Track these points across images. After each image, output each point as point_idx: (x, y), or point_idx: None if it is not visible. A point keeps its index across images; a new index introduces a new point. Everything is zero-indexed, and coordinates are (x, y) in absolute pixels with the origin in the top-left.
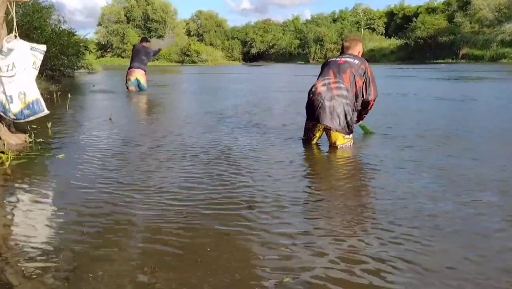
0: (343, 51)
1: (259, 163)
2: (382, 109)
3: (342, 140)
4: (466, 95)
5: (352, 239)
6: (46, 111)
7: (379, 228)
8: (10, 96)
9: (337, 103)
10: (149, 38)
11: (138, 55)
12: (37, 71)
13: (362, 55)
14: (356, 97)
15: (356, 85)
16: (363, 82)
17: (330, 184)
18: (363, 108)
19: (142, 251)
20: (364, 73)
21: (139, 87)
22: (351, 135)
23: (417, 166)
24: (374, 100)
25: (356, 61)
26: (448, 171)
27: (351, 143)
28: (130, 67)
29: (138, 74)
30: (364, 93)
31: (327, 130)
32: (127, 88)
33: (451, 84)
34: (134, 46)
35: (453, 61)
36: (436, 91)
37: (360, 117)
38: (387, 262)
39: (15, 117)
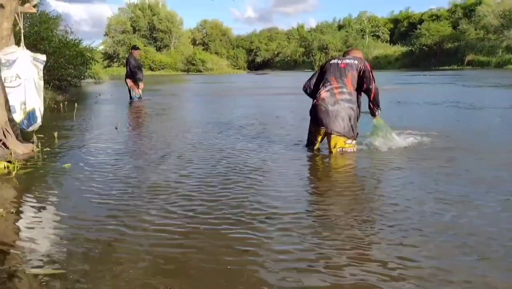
0: (343, 55)
1: (263, 173)
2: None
3: (342, 144)
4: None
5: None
6: (39, 123)
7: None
8: (13, 107)
9: (340, 107)
10: (134, 46)
11: (128, 65)
12: (42, 81)
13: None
14: (358, 98)
15: (357, 87)
16: (361, 76)
17: (334, 197)
18: (367, 94)
19: (149, 260)
20: (362, 68)
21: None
22: (354, 141)
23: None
24: (375, 88)
25: (356, 62)
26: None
27: (354, 149)
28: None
29: (129, 83)
30: (364, 85)
31: (328, 134)
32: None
33: (484, 91)
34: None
35: (459, 68)
36: (469, 99)
37: (371, 111)
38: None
39: (19, 127)
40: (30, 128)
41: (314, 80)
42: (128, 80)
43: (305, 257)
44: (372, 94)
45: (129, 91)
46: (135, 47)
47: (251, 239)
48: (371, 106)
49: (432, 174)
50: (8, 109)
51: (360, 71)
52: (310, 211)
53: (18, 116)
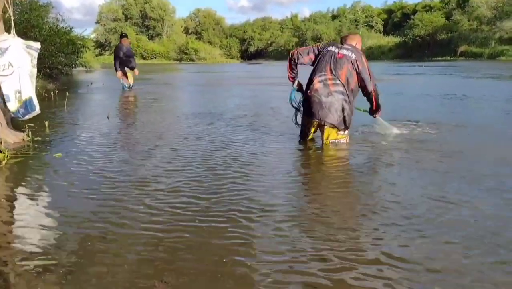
0: (341, 42)
1: (254, 166)
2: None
3: (335, 136)
4: None
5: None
6: (38, 111)
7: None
8: (7, 95)
9: (334, 99)
10: (123, 34)
11: (118, 54)
12: (36, 69)
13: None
14: (352, 92)
15: (352, 81)
16: (358, 77)
17: (326, 190)
18: (368, 100)
19: (141, 251)
20: (360, 68)
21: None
22: (346, 132)
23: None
24: (374, 91)
25: (354, 56)
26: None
27: (347, 140)
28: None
29: (119, 74)
30: (361, 85)
31: (321, 126)
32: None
33: (490, 82)
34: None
35: (452, 58)
36: (478, 91)
37: (371, 111)
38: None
39: (14, 116)
40: (27, 117)
41: (308, 55)
42: (118, 72)
43: (297, 255)
44: (374, 98)
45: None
46: (125, 35)
47: (242, 235)
48: (372, 108)
49: (429, 168)
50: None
51: (357, 71)
52: (302, 206)
53: (13, 105)
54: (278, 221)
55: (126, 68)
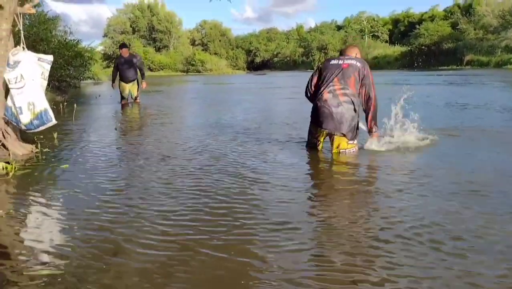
0: (341, 54)
1: (262, 176)
2: None
3: (346, 146)
4: None
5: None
6: (54, 121)
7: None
8: (20, 108)
9: (344, 109)
10: (127, 44)
11: (129, 65)
12: (46, 82)
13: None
14: (360, 99)
15: (359, 89)
16: (362, 83)
17: (338, 202)
18: (366, 104)
19: (149, 263)
20: (365, 74)
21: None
22: (355, 141)
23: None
24: (375, 97)
25: (359, 64)
26: None
27: (356, 149)
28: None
29: (131, 85)
30: (364, 93)
31: (331, 135)
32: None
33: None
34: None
35: (458, 67)
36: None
37: (368, 128)
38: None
39: (25, 128)
40: (41, 128)
41: (314, 81)
42: (113, 84)
43: (306, 266)
44: (372, 107)
45: (131, 95)
46: (123, 45)
47: (251, 246)
48: (369, 121)
49: (439, 177)
50: (6, 110)
51: (361, 76)
52: (313, 218)
53: (26, 118)
54: (287, 229)
55: (126, 79)
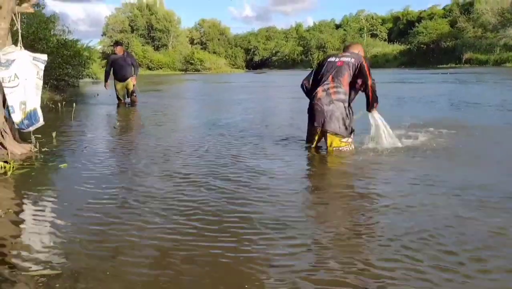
0: (344, 50)
1: (260, 174)
2: None
3: (338, 143)
4: None
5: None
6: (42, 122)
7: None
8: (12, 107)
9: (335, 107)
10: (120, 42)
11: (126, 63)
12: (42, 81)
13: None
14: (351, 96)
15: (355, 84)
16: (358, 75)
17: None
18: (366, 94)
19: (147, 262)
20: (358, 66)
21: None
22: (349, 139)
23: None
24: (372, 85)
25: (352, 60)
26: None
27: (350, 148)
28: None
29: (134, 81)
30: (359, 84)
31: (325, 133)
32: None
33: None
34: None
35: (457, 66)
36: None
37: (368, 107)
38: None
39: (17, 127)
40: (31, 128)
41: (311, 77)
42: (106, 84)
43: (301, 266)
44: (370, 91)
45: (127, 93)
46: (117, 43)
47: (246, 244)
48: (370, 101)
49: (432, 176)
50: (5, 109)
51: (356, 69)
52: (306, 216)
53: (17, 117)
54: (281, 227)
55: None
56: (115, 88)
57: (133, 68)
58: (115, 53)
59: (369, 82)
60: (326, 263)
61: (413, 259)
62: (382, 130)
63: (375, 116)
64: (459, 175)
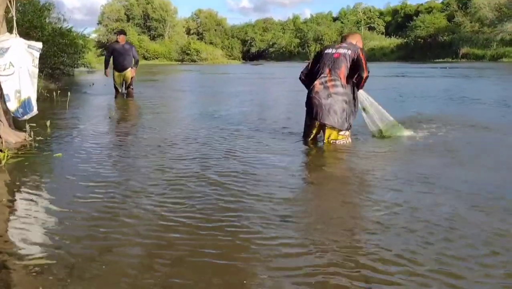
0: (341, 41)
1: (257, 166)
2: None
3: (336, 136)
4: None
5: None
6: (36, 111)
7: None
8: (7, 95)
9: (333, 100)
10: (124, 30)
11: (125, 54)
12: (37, 69)
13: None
14: (352, 88)
15: (351, 77)
16: (354, 66)
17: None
18: (357, 83)
19: (142, 253)
20: (354, 58)
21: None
22: (348, 132)
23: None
24: (366, 78)
25: (349, 52)
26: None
27: (348, 141)
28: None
29: (133, 73)
30: (355, 76)
31: (323, 126)
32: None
33: None
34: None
35: (454, 60)
36: None
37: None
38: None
39: (13, 116)
40: (25, 117)
41: (309, 67)
42: (106, 71)
43: (299, 266)
44: (362, 83)
45: (125, 84)
46: (120, 32)
47: (243, 237)
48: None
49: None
50: (0, 97)
51: (352, 60)
52: (303, 212)
53: (12, 105)
54: (276, 222)
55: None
56: (113, 78)
57: (133, 59)
58: (117, 41)
59: (365, 75)
60: (324, 263)
61: (414, 262)
62: (380, 107)
63: (364, 95)
64: (463, 173)
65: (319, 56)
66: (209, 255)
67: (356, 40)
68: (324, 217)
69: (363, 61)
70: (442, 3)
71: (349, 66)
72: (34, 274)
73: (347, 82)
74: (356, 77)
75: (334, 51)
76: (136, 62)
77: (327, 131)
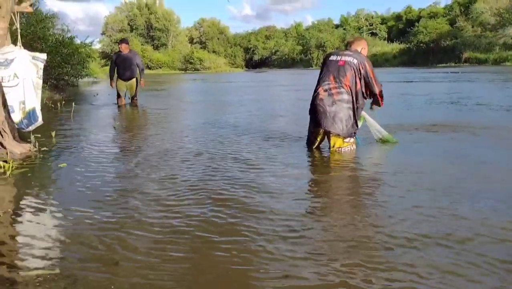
0: (346, 47)
1: (259, 173)
2: None
3: (341, 144)
4: None
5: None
6: (41, 121)
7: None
8: (12, 107)
9: (338, 108)
10: (126, 39)
11: (131, 64)
12: (41, 80)
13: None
14: (357, 98)
15: (356, 87)
16: (361, 82)
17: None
18: (373, 99)
19: (147, 260)
20: (362, 73)
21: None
22: (352, 139)
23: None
24: (381, 92)
25: (355, 61)
26: None
27: (352, 148)
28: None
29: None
30: (365, 92)
31: (328, 134)
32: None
33: None
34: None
35: (456, 65)
36: None
37: (372, 106)
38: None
39: (18, 127)
40: (30, 128)
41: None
42: (111, 82)
43: (304, 272)
44: (379, 98)
45: (129, 94)
46: (122, 41)
47: (245, 244)
48: (373, 106)
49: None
50: (5, 108)
51: (359, 74)
52: (307, 219)
53: (17, 116)
54: (280, 227)
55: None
56: (117, 86)
57: (137, 68)
58: (120, 51)
59: (377, 90)
60: (330, 269)
61: (415, 266)
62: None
63: (369, 119)
64: (471, 179)
65: (324, 64)
66: (220, 267)
67: (361, 46)
68: (334, 230)
69: (372, 76)
70: (445, 8)
71: (354, 74)
72: (37, 284)
73: (352, 90)
74: (369, 94)
75: (338, 58)
76: (142, 71)
77: (332, 140)
